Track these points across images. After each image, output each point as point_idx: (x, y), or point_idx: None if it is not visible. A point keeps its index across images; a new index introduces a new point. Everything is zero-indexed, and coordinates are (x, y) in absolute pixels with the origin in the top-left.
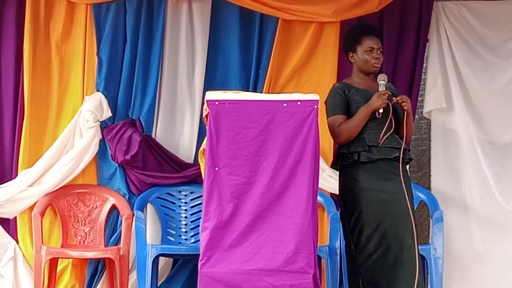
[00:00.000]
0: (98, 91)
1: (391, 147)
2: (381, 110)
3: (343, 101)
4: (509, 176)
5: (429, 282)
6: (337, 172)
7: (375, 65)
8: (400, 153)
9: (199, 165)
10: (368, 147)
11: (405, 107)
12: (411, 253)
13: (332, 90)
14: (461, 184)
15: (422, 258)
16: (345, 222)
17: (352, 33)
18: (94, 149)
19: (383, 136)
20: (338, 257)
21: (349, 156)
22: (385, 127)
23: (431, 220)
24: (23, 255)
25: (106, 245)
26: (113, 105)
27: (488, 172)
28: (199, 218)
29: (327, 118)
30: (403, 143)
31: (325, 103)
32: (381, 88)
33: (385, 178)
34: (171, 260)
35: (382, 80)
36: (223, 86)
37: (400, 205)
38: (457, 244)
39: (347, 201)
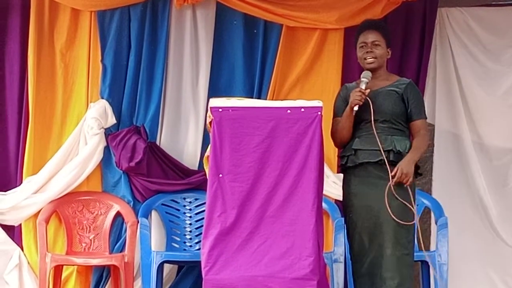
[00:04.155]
0: (102, 98)
1: (377, 150)
2: (356, 108)
3: (342, 104)
4: (507, 182)
5: None
6: (342, 179)
7: (368, 59)
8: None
9: (204, 171)
10: (354, 151)
11: (405, 183)
12: (391, 263)
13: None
14: (463, 191)
15: (426, 264)
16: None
17: (355, 34)
18: (98, 156)
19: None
20: (343, 263)
21: (341, 160)
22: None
23: (436, 226)
24: (28, 263)
25: (111, 252)
26: (117, 112)
27: (486, 178)
28: None
29: None
30: (381, 146)
31: None
32: (362, 86)
33: (373, 182)
34: (176, 267)
35: (363, 77)
36: (227, 93)
37: (383, 212)
38: (459, 250)
39: (343, 206)
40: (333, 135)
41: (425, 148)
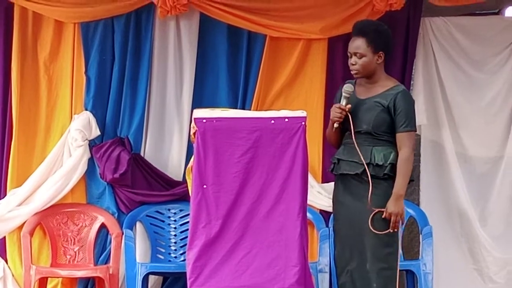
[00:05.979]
0: (86, 110)
1: (356, 161)
2: (336, 125)
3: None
4: (490, 192)
5: None
6: (326, 189)
7: (352, 72)
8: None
9: (186, 182)
10: (338, 160)
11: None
12: (371, 277)
13: None
14: (449, 201)
15: (412, 273)
16: None
17: None
18: (82, 168)
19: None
20: (328, 274)
21: (330, 166)
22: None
23: (420, 236)
24: (13, 275)
25: (96, 264)
26: (101, 123)
27: (469, 188)
28: None
29: None
30: (363, 160)
31: None
32: (342, 102)
33: (355, 193)
34: (161, 278)
35: (345, 91)
36: (212, 103)
37: (364, 224)
38: (445, 259)
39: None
40: (327, 137)
41: (409, 172)
